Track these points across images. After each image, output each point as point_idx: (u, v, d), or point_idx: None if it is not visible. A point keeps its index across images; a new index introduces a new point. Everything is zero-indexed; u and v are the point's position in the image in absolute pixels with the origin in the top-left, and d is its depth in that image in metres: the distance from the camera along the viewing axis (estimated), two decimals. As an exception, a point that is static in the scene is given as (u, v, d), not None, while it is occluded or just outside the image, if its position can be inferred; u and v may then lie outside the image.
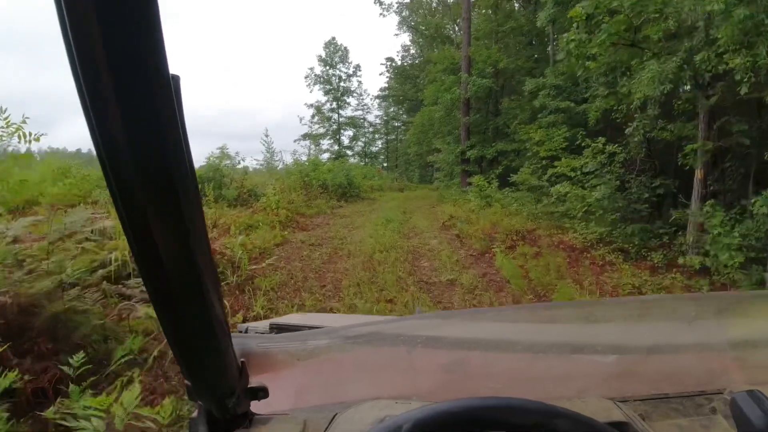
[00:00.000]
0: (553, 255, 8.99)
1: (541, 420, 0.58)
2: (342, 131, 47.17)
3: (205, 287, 0.50)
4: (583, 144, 12.50)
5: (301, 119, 46.24)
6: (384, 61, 50.04)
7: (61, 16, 0.32)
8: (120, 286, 4.34)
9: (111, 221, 5.78)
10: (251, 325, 1.19)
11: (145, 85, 0.35)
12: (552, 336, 1.05)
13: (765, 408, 0.57)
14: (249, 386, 0.77)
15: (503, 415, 0.58)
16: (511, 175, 16.68)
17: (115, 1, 0.33)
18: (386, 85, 50.05)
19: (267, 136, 32.41)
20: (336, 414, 0.80)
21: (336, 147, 46.27)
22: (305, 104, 50.87)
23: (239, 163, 16.55)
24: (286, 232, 11.10)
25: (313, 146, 41.80)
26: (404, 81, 47.89)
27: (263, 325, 1.20)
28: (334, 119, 46.73)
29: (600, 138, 12.14)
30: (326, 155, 42.75)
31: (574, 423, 0.58)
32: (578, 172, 12.22)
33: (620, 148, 11.50)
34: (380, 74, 72.88)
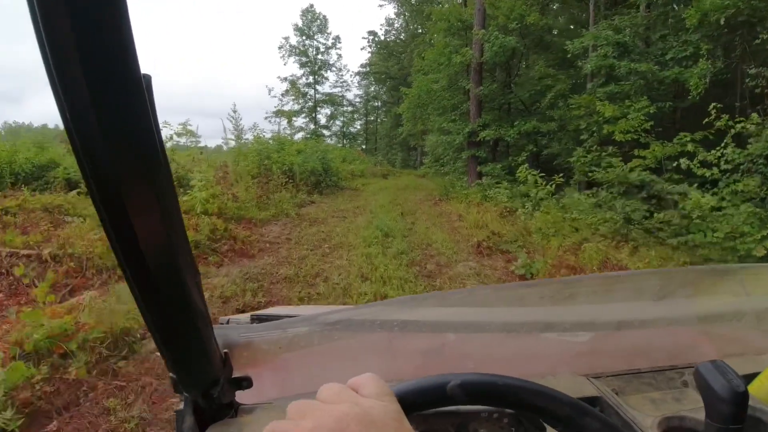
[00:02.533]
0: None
1: (572, 414, 0.55)
2: (318, 109, 41.17)
3: (185, 277, 0.49)
4: (713, 120, 7.17)
5: (269, 90, 39.56)
6: (366, 35, 44.38)
7: (32, 10, 0.32)
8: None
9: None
10: (233, 317, 1.14)
11: (117, 83, 0.35)
12: (522, 315, 1.03)
13: (728, 377, 0.53)
14: (233, 376, 0.74)
15: (541, 400, 0.56)
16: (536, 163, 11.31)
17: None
18: (368, 62, 44.23)
19: (235, 112, 25.96)
20: None
21: (312, 126, 40.39)
22: (278, 77, 44.28)
23: (199, 141, 12.60)
24: (199, 265, 5.48)
25: (286, 124, 35.54)
26: (387, 57, 42.29)
27: (245, 317, 1.16)
28: (310, 95, 40.63)
29: (753, 115, 6.87)
30: (300, 135, 36.90)
31: (603, 425, 0.55)
32: (714, 169, 6.90)
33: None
34: (362, 49, 66.81)
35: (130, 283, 0.47)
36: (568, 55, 12.81)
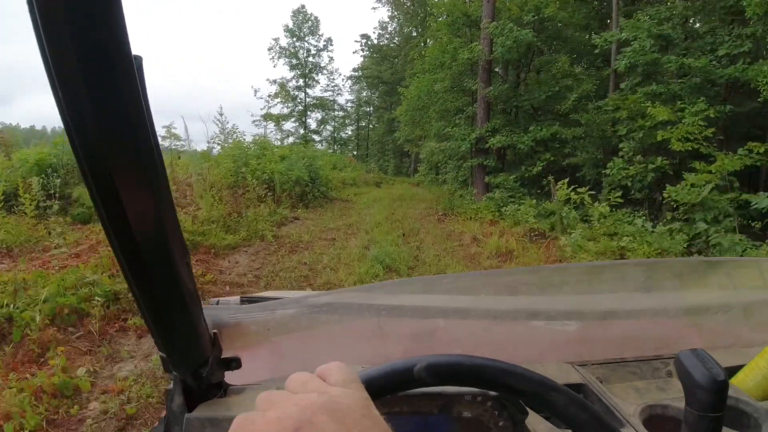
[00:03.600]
0: None
1: (539, 390, 0.55)
2: (309, 113, 39.01)
3: (174, 257, 0.49)
4: None
5: (255, 91, 37.02)
6: (359, 38, 42.48)
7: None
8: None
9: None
10: (222, 298, 1.08)
11: (108, 63, 0.35)
12: (511, 303, 1.03)
13: (708, 366, 0.53)
14: (222, 357, 0.73)
15: (507, 378, 0.56)
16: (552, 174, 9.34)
17: None
18: (360, 66, 42.24)
19: (221, 115, 23.56)
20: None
21: (302, 131, 38.21)
22: (267, 80, 41.96)
23: (184, 145, 11.43)
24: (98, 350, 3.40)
25: (275, 128, 33.29)
26: (380, 61, 40.35)
27: (234, 299, 1.10)
28: (300, 99, 38.46)
29: None
30: (290, 139, 34.66)
31: (569, 401, 0.54)
32: None
33: None
34: (354, 52, 64.84)
35: (121, 262, 0.46)
36: (596, 50, 10.88)
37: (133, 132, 0.39)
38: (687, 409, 0.54)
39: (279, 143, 27.12)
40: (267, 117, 33.43)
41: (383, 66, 39.62)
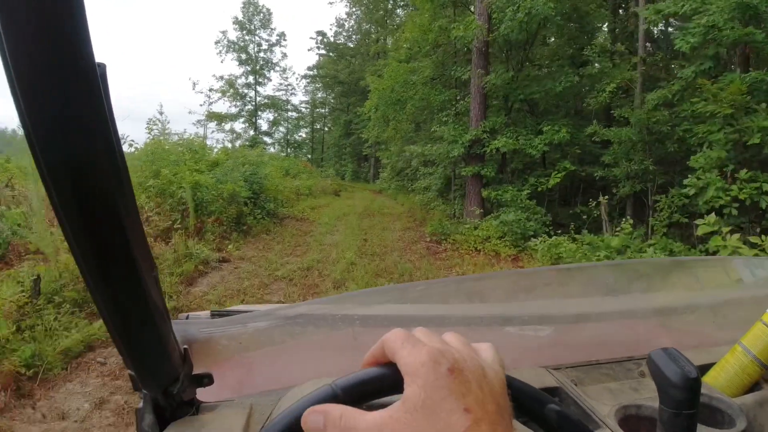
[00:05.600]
0: None
1: (534, 405, 0.51)
2: (260, 113, 34.75)
3: (140, 269, 0.45)
4: None
5: (194, 84, 32.10)
6: (314, 35, 38.62)
7: None
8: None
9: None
10: (192, 313, 1.02)
11: (71, 71, 0.33)
12: (483, 309, 1.01)
13: (680, 364, 0.53)
14: (193, 373, 0.68)
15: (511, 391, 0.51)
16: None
17: None
18: (315, 65, 38.43)
19: (161, 113, 18.22)
20: (281, 397, 0.75)
21: (252, 132, 33.89)
22: (214, 75, 37.30)
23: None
24: None
25: (216, 128, 28.85)
26: (337, 60, 36.70)
27: (204, 314, 1.03)
28: (250, 97, 34.14)
29: None
30: (238, 143, 30.21)
31: (561, 417, 0.49)
32: None
33: None
34: (309, 50, 60.35)
35: (85, 277, 0.44)
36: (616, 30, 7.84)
37: (96, 140, 0.37)
38: (661, 407, 0.54)
39: (230, 146, 23.01)
40: (211, 116, 28.96)
41: (340, 65, 36.05)
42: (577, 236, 7.02)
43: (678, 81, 7.44)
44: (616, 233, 6.71)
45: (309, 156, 37.94)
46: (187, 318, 0.97)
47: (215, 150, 11.93)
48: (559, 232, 7.78)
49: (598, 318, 1.00)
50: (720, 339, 0.97)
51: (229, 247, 6.76)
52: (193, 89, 33.04)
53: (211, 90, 31.98)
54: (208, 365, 0.73)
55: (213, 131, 30.55)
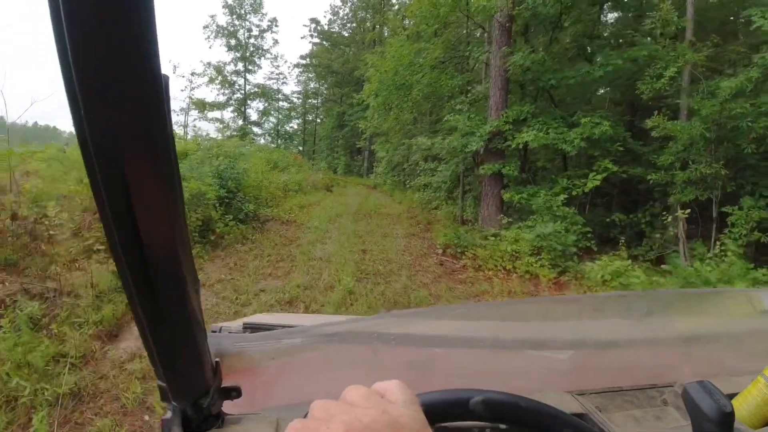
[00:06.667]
0: None
1: None
2: (249, 102, 32.63)
3: (185, 283, 0.44)
4: None
5: (175, 67, 29.83)
6: (308, 23, 36.35)
7: (56, 14, 0.30)
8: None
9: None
10: (224, 324, 1.02)
11: (139, 85, 0.33)
12: (512, 332, 0.98)
13: (715, 398, 0.52)
14: (222, 386, 0.67)
15: (564, 429, 0.54)
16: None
17: (113, 3, 0.30)
18: (309, 53, 36.38)
19: None
20: (308, 412, 0.60)
21: (240, 122, 31.82)
22: (201, 62, 35.15)
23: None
24: None
25: (199, 117, 26.86)
26: (331, 49, 34.70)
27: (236, 324, 1.03)
28: (240, 85, 32.01)
29: None
30: (228, 133, 28.22)
31: None
32: None
33: None
34: (302, 38, 57.86)
35: (128, 286, 0.43)
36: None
37: (155, 152, 0.36)
38: None
39: (219, 137, 21.13)
40: (195, 104, 26.91)
41: (334, 54, 34.13)
42: (647, 263, 5.33)
43: (756, 68, 5.81)
44: (693, 256, 5.05)
45: (300, 148, 36.06)
46: (220, 330, 0.95)
47: (188, 138, 10.03)
48: (607, 250, 6.12)
49: (622, 344, 0.98)
50: (743, 369, 0.93)
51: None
52: (174, 73, 30.62)
53: (193, 74, 29.62)
54: (235, 377, 0.70)
55: (195, 119, 28.45)
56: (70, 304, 3.64)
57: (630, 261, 5.44)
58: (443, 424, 0.63)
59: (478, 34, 11.22)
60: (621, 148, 7.59)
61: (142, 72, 0.32)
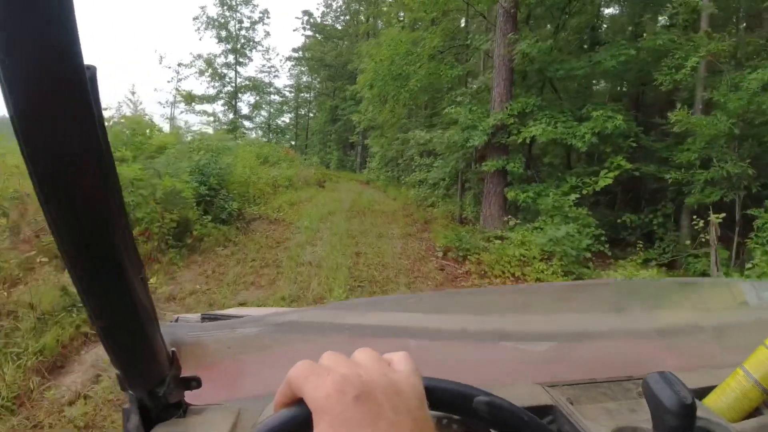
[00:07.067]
0: None
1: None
2: (240, 95, 31.71)
3: (127, 270, 0.45)
4: None
5: (161, 58, 28.58)
6: (300, 15, 35.55)
7: None
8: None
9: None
10: (182, 316, 0.99)
11: (59, 73, 0.33)
12: (480, 322, 0.95)
13: (676, 389, 0.50)
14: (182, 376, 0.67)
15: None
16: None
17: None
18: (301, 46, 35.54)
19: (133, 93, 14.90)
20: (269, 404, 0.71)
21: (231, 115, 30.90)
22: (191, 54, 34.14)
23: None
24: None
25: (186, 109, 25.94)
26: (324, 42, 33.88)
27: (194, 317, 1.01)
28: (230, 78, 31.10)
29: None
30: (218, 126, 27.27)
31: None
32: None
33: None
34: (294, 30, 56.63)
35: (73, 277, 0.44)
36: None
37: (83, 142, 0.37)
38: None
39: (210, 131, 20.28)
40: (183, 96, 26.04)
41: (327, 47, 33.35)
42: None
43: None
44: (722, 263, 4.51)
45: (293, 143, 35.21)
46: (176, 321, 0.95)
47: (165, 129, 9.33)
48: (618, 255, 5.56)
49: (598, 336, 0.96)
50: (722, 362, 0.89)
51: (155, 278, 4.33)
52: (160, 63, 29.51)
53: (180, 65, 28.69)
54: (198, 369, 0.70)
55: (182, 112, 27.54)
56: (9, 328, 3.01)
57: (656, 268, 4.89)
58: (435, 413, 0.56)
59: (475, 26, 10.62)
60: (634, 144, 7.03)
61: (61, 62, 0.32)
